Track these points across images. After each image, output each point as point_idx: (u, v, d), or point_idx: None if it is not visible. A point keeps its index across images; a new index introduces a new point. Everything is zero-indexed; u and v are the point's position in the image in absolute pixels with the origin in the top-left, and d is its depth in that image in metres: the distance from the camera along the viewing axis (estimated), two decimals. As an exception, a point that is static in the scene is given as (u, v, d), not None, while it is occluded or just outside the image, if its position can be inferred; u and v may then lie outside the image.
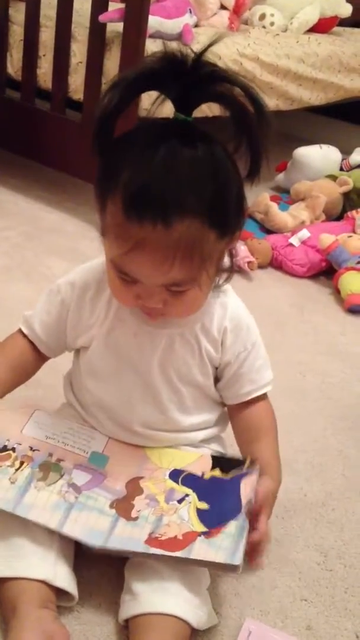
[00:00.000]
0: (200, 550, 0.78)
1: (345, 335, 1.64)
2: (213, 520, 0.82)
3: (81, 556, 0.90)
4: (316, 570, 0.97)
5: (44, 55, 2.02)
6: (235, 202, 0.78)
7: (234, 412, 0.98)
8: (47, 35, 1.99)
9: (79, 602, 0.85)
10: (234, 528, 0.80)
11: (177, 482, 0.89)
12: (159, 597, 0.80)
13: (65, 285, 0.94)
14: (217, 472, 0.91)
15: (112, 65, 1.83)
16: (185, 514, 0.84)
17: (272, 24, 2.55)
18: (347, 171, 2.39)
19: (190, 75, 0.74)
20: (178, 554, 0.78)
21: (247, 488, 0.85)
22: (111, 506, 0.85)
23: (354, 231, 2.00)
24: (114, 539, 0.82)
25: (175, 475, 0.91)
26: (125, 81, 0.75)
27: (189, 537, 0.80)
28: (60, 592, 0.82)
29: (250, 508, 0.83)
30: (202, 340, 0.90)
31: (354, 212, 2.09)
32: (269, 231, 2.08)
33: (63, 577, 0.83)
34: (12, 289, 1.60)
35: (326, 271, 1.90)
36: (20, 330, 0.99)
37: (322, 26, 2.68)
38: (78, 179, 2.05)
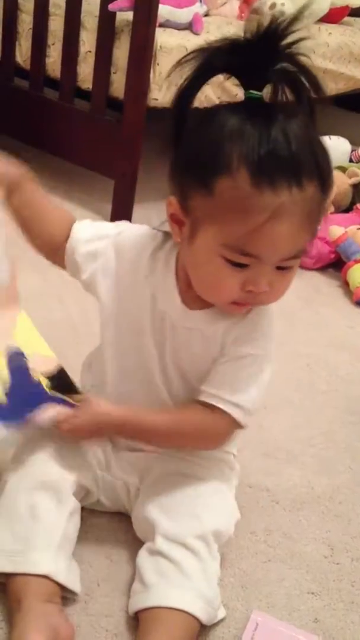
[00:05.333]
0: None
1: (353, 327, 1.63)
2: None
3: (88, 545, 0.91)
4: (323, 563, 0.97)
5: (53, 44, 2.01)
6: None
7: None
8: (56, 24, 1.98)
9: (87, 593, 0.86)
10: None
11: (8, 364, 0.86)
12: (173, 592, 0.80)
13: (106, 250, 0.90)
14: (45, 382, 0.87)
15: (121, 54, 1.82)
16: None
17: (282, 13, 2.53)
18: (357, 162, 2.37)
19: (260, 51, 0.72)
20: None
21: (50, 411, 0.84)
22: None
23: (363, 223, 1.99)
24: None
25: (14, 357, 0.87)
26: (198, 58, 0.76)
27: None
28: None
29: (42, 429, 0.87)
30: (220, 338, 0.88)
31: (363, 204, 2.08)
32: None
33: (65, 572, 0.82)
34: (19, 279, 1.60)
35: (335, 263, 1.89)
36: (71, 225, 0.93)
37: (332, 16, 2.66)
38: (86, 169, 2.04)
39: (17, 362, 0.87)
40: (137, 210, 1.98)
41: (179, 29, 1.96)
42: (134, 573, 0.89)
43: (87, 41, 1.92)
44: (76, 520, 0.89)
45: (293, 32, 0.72)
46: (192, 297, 0.85)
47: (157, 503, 0.90)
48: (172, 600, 0.79)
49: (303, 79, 0.74)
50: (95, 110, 1.94)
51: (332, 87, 2.51)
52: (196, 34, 1.97)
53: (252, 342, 0.86)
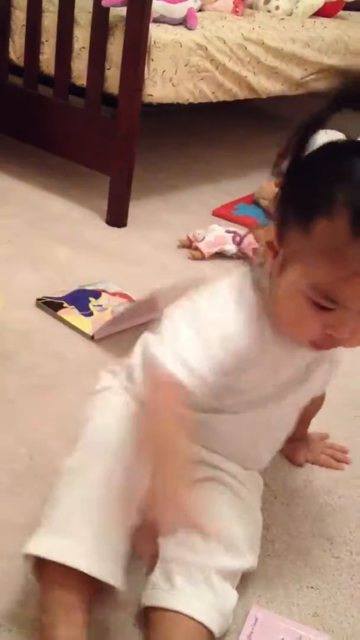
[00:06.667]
0: None
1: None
2: None
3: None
4: (322, 557, 0.97)
5: (46, 41, 2.00)
6: None
7: None
8: (49, 21, 1.97)
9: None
10: None
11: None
12: (200, 603, 0.79)
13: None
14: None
15: (115, 50, 1.82)
16: None
17: (277, 7, 2.53)
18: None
19: None
20: None
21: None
22: None
23: (359, 217, 1.98)
24: None
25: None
26: (334, 94, 0.71)
27: None
28: None
29: None
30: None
31: (359, 198, 2.07)
32: (274, 218, 2.06)
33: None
34: (17, 277, 1.60)
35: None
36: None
37: (327, 10, 2.66)
38: (82, 166, 2.04)
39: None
40: (133, 207, 1.98)
41: (173, 24, 1.96)
42: (132, 569, 0.88)
43: (81, 37, 1.91)
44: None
45: None
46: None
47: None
48: (196, 611, 0.78)
49: None
50: (90, 106, 1.93)
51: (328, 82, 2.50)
52: (190, 29, 1.96)
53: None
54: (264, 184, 2.11)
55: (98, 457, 0.84)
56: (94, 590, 0.77)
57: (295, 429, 1.08)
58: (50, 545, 0.76)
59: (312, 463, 1.14)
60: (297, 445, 1.14)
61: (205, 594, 0.81)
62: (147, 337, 0.80)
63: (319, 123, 0.73)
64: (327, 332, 0.74)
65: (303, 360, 0.87)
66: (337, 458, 1.16)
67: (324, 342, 0.76)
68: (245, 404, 0.87)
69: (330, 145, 0.73)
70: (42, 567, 0.77)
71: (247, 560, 0.87)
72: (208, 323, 0.78)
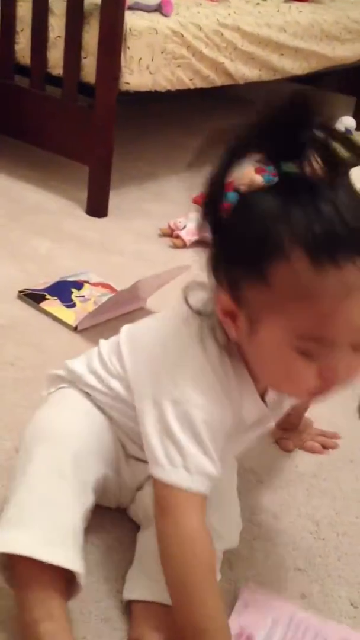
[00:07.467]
0: None
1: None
2: None
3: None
4: (309, 539, 0.98)
5: (21, 31, 1.99)
6: None
7: None
8: (24, 10, 1.95)
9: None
10: None
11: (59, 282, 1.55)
12: None
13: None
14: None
15: (91, 38, 1.80)
16: None
17: (252, -7, 2.51)
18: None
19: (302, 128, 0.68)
20: None
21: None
22: None
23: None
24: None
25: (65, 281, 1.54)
26: (235, 143, 0.73)
27: None
28: None
29: None
30: None
31: (339, 182, 2.08)
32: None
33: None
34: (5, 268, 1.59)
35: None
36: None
37: (303, -6, 2.65)
38: (60, 156, 2.02)
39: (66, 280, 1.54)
40: (113, 197, 1.97)
41: (148, 12, 1.94)
42: (121, 559, 0.89)
43: (56, 26, 1.89)
44: (87, 517, 0.85)
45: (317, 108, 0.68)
46: (261, 389, 0.81)
47: None
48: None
49: (337, 145, 0.69)
50: (67, 96, 1.92)
51: (305, 66, 2.50)
52: (166, 16, 1.95)
53: None
54: (243, 171, 2.10)
55: (45, 447, 0.84)
56: (68, 583, 0.77)
57: (288, 419, 1.09)
58: (5, 539, 0.76)
59: (299, 448, 1.15)
60: (289, 433, 1.15)
61: None
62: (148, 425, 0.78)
63: (222, 181, 0.72)
64: (324, 377, 0.71)
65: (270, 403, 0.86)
66: (328, 446, 1.16)
67: (321, 389, 0.73)
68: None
69: (244, 198, 0.72)
70: (14, 566, 0.76)
71: (225, 541, 0.88)
72: (199, 417, 0.75)
